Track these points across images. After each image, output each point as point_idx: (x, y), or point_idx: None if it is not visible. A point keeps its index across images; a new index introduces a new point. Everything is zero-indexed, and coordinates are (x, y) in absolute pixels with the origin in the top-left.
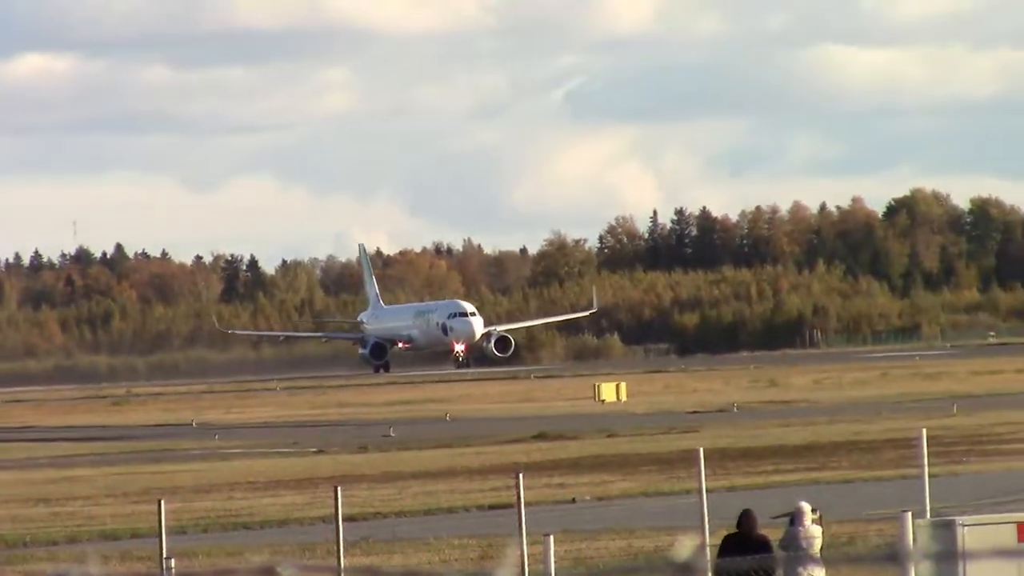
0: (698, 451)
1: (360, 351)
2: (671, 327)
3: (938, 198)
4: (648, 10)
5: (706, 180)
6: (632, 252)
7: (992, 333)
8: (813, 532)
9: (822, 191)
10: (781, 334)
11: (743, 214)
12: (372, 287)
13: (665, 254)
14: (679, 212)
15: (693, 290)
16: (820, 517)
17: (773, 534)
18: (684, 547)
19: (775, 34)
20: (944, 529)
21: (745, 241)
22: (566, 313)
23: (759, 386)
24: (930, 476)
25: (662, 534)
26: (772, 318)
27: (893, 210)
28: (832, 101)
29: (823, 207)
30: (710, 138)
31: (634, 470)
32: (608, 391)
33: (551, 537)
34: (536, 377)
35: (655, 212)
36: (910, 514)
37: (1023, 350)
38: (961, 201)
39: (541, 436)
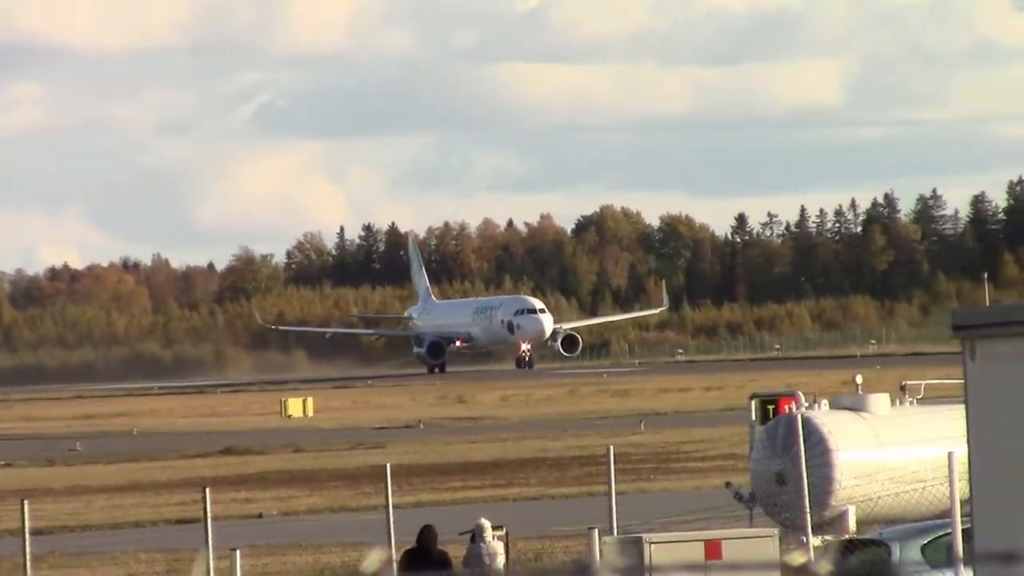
0: (385, 467)
1: (416, 350)
2: (359, 342)
3: (627, 215)
4: (337, 27)
5: (394, 196)
6: (320, 267)
7: (680, 351)
8: (494, 548)
9: (511, 208)
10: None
11: (431, 230)
12: (423, 280)
13: (353, 270)
14: (367, 228)
15: (381, 305)
16: (507, 533)
17: (459, 550)
18: (372, 561)
19: (464, 51)
20: (631, 546)
21: (434, 257)
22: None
23: (447, 402)
24: (617, 493)
25: (349, 549)
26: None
27: (582, 227)
28: (521, 118)
29: (511, 224)
30: (398, 154)
31: (321, 485)
32: (295, 406)
33: (238, 552)
34: (222, 392)
35: (342, 228)
36: (597, 531)
37: (711, 368)
38: (651, 218)
39: (228, 451)
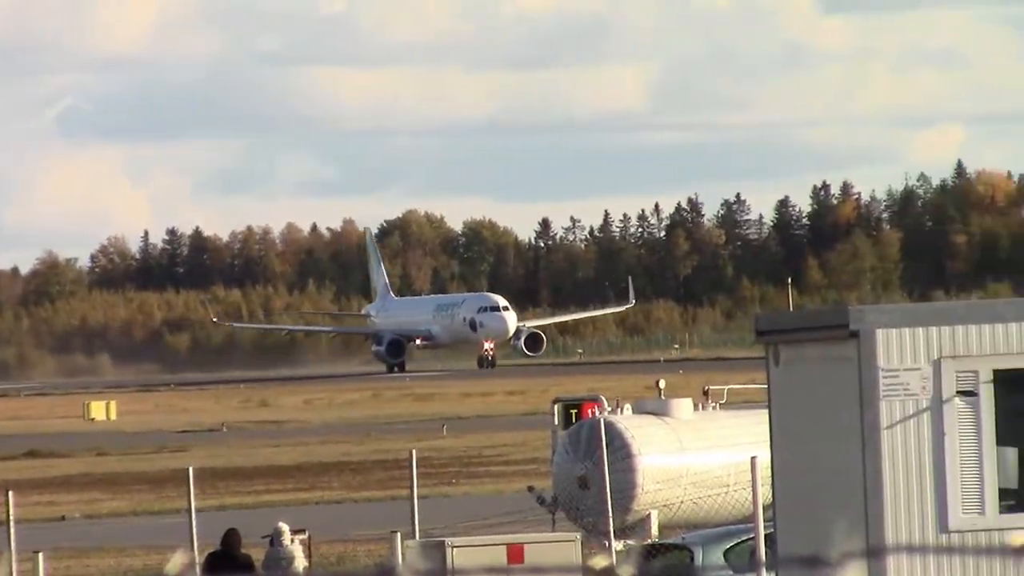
0: (188, 470)
1: (374, 348)
2: (162, 346)
3: (431, 220)
4: (143, 30)
5: (199, 200)
6: (124, 271)
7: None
8: (292, 552)
9: (314, 212)
10: (272, 354)
11: (234, 234)
12: (381, 276)
13: (157, 273)
14: (171, 232)
15: (184, 310)
16: (309, 537)
17: (261, 553)
18: (175, 564)
19: (269, 55)
20: (433, 549)
21: (236, 261)
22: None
23: (250, 406)
24: (420, 497)
25: (152, 552)
26: (262, 340)
27: (386, 232)
28: (326, 122)
29: (315, 228)
30: (203, 158)
31: (124, 488)
32: (98, 409)
33: (41, 555)
34: (26, 395)
35: (146, 232)
36: (399, 534)
37: (514, 372)
38: (455, 223)
39: (31, 454)
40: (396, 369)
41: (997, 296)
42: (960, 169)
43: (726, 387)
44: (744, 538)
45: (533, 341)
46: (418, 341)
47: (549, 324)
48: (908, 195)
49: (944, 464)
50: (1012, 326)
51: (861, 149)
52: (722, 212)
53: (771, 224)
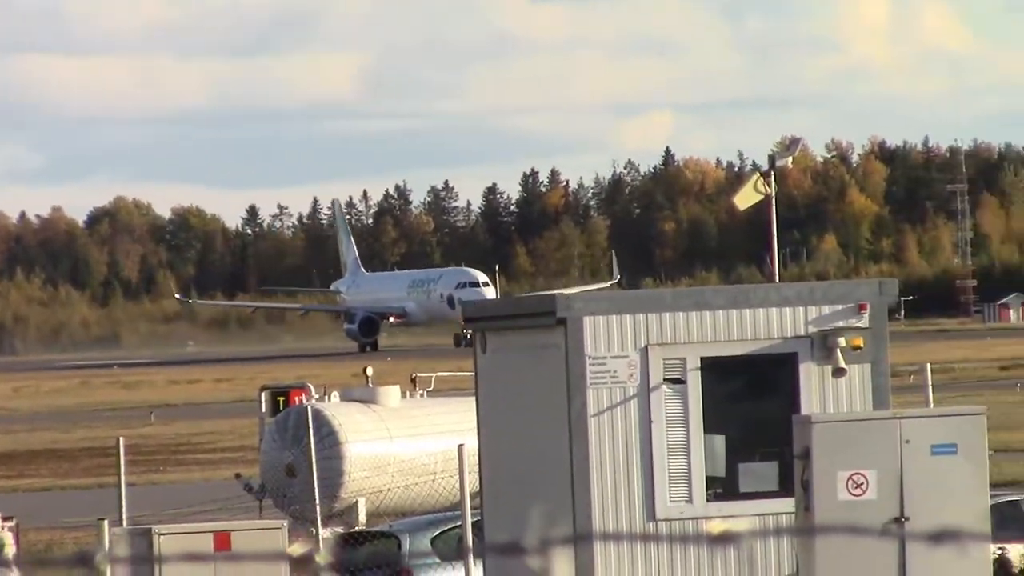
0: None
1: (346, 326)
2: None
3: (139, 207)
4: None
5: None
6: None
7: (191, 343)
8: (1, 538)
9: (22, 200)
10: (232, 332)
11: None
12: (351, 250)
13: None
14: None
15: None
16: (17, 524)
17: None
18: None
19: None
20: (140, 537)
21: None
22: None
23: None
24: (128, 485)
25: None
26: (218, 317)
27: (95, 219)
28: (35, 110)
29: (23, 216)
30: None
31: None
32: None
33: None
34: None
35: None
36: (106, 522)
37: (222, 360)
38: (163, 210)
39: None
40: (368, 348)
41: (705, 283)
42: (668, 156)
43: (434, 375)
44: (451, 526)
45: None
46: (391, 319)
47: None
48: (616, 182)
49: (651, 452)
50: (719, 313)
51: (570, 136)
52: (430, 199)
53: (479, 211)
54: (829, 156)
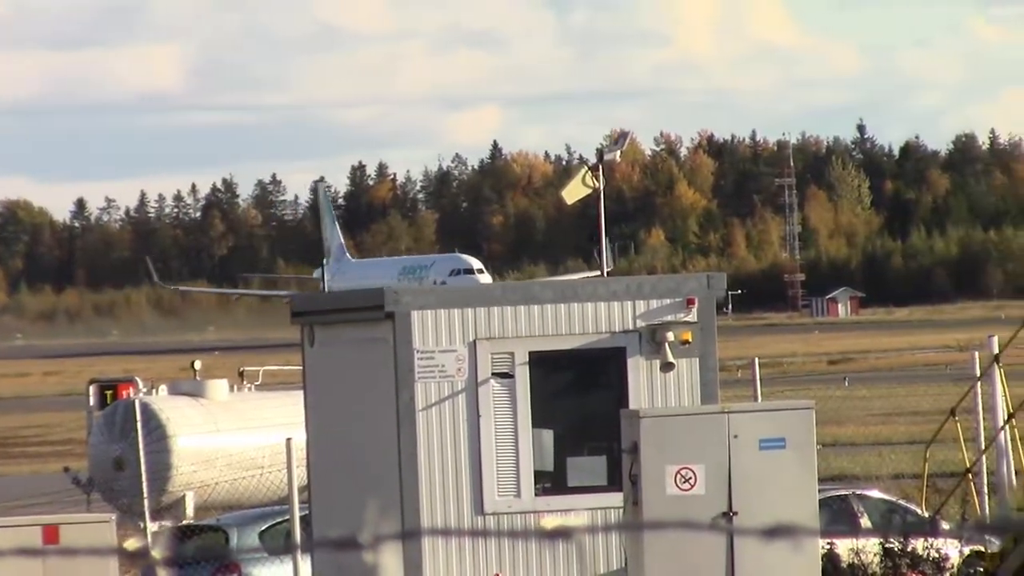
0: None
1: None
2: None
3: None
4: None
5: None
6: None
7: (19, 335)
8: None
9: None
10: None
11: None
12: (336, 235)
13: None
14: None
15: None
16: None
17: None
18: None
19: None
20: None
21: None
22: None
23: None
24: None
25: None
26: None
27: None
28: None
29: None
30: None
31: None
32: None
33: None
34: None
35: None
36: None
37: (50, 353)
38: None
39: None
40: None
41: (533, 277)
42: (496, 150)
43: (261, 368)
44: (279, 519)
45: None
46: None
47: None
48: (444, 176)
49: (480, 446)
50: (548, 308)
51: (398, 130)
52: (257, 192)
53: (307, 205)
54: (658, 150)
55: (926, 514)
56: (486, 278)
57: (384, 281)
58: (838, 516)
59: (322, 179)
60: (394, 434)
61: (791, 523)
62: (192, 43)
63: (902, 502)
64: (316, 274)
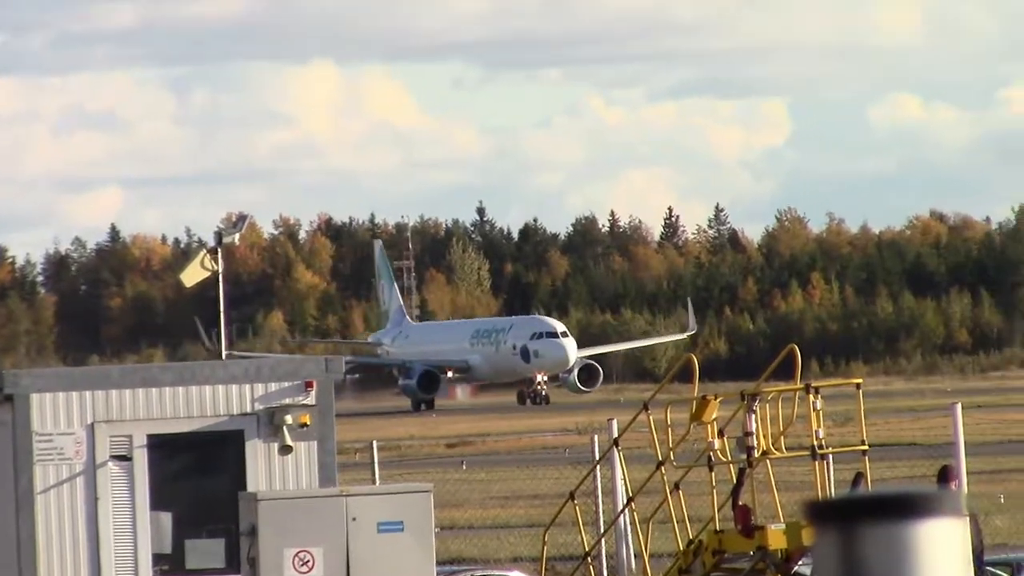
0: None
1: (402, 381)
2: None
3: None
4: None
5: None
6: None
7: None
8: None
9: None
10: None
11: None
12: (395, 298)
13: None
14: None
15: None
16: None
17: None
18: None
19: None
20: None
21: None
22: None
23: None
24: None
25: None
26: None
27: None
28: None
29: None
30: None
31: None
32: None
33: None
34: None
35: None
36: None
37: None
38: None
39: None
40: (423, 406)
41: (152, 360)
42: (115, 233)
43: None
44: None
45: (588, 373)
46: (450, 373)
47: (609, 352)
48: (62, 259)
49: (98, 530)
50: (166, 390)
51: (17, 212)
52: None
53: None
54: (277, 232)
55: None
56: (571, 342)
57: (454, 346)
58: None
59: (382, 240)
60: (13, 518)
61: None
62: None
63: None
64: (373, 338)
